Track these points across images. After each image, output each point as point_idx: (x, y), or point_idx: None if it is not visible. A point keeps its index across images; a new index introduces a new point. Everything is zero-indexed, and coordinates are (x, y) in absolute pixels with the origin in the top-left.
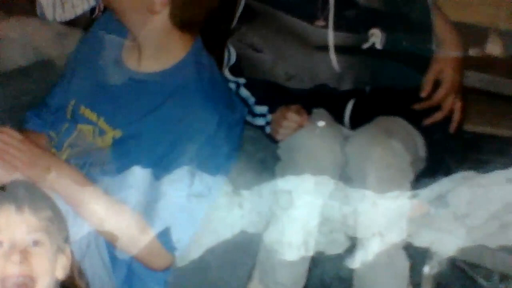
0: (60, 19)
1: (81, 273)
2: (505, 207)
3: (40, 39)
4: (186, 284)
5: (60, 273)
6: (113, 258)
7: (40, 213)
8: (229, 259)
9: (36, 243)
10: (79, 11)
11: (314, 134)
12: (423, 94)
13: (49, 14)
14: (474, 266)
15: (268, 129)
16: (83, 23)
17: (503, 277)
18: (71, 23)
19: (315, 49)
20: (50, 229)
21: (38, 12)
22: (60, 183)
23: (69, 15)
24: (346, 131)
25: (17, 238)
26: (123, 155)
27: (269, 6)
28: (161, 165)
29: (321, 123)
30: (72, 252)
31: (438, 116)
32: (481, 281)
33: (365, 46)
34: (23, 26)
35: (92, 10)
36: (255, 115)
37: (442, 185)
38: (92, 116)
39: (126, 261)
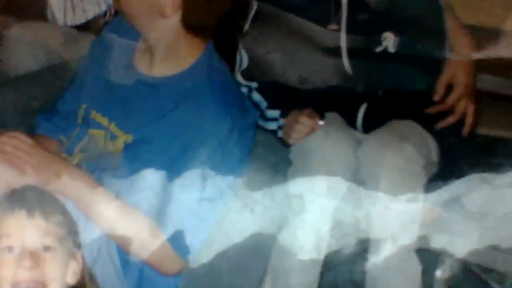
0: (71, 24)
1: (92, 278)
2: None
3: (51, 43)
4: None
5: (71, 278)
6: (125, 263)
7: (51, 218)
8: (241, 263)
9: (47, 248)
10: (90, 15)
11: (326, 138)
12: (436, 97)
13: (60, 18)
14: (487, 270)
15: (280, 133)
16: (94, 27)
17: None
18: (82, 28)
19: (327, 52)
20: (61, 234)
21: (49, 16)
22: (71, 187)
23: (80, 19)
24: (358, 135)
25: (28, 243)
26: (135, 159)
27: (281, 9)
28: (173, 170)
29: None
30: (83, 257)
31: (451, 119)
32: (494, 285)
33: (378, 49)
34: (34, 31)
35: (103, 14)
36: (267, 119)
37: (454, 188)
38: (103, 121)
39: (137, 265)
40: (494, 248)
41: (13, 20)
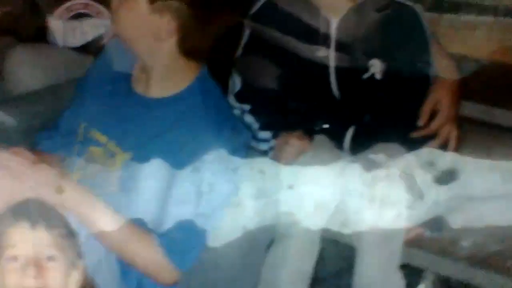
0: (71, 46)
1: (93, 287)
2: (497, 231)
3: (52, 64)
4: None
5: (74, 287)
6: (124, 274)
7: (53, 230)
8: (234, 276)
9: (50, 258)
10: (89, 37)
11: (314, 160)
12: (421, 122)
13: (60, 40)
14: (466, 286)
15: (271, 154)
16: (93, 49)
17: None
18: (82, 49)
19: (317, 78)
20: (63, 245)
21: (50, 38)
22: (72, 202)
23: (80, 41)
24: (346, 156)
25: (32, 253)
26: (132, 177)
27: (275, 30)
28: (169, 187)
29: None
30: (85, 267)
31: (434, 144)
32: None
33: (365, 76)
34: (35, 52)
35: (102, 37)
36: (259, 140)
37: (437, 208)
38: (102, 139)
39: (136, 276)
40: (474, 265)
41: (15, 42)
